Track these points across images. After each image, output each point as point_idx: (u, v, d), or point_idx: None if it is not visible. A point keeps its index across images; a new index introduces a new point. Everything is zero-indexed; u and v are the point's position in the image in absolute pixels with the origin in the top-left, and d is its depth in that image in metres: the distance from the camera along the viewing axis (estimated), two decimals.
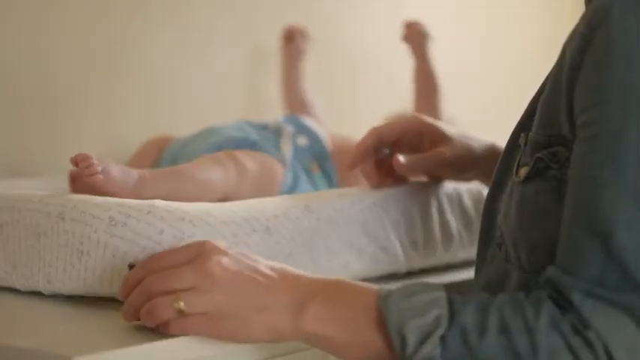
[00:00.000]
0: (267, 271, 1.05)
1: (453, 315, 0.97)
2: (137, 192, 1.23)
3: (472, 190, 1.50)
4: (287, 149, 1.55)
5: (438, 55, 1.94)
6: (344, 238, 1.32)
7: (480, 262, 1.22)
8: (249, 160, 1.46)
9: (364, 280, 1.32)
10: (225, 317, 1.03)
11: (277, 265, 1.08)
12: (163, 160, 1.61)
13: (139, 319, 1.06)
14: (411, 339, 0.97)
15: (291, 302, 1.04)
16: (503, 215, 1.14)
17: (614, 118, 0.96)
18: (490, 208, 1.19)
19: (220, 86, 1.96)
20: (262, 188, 1.48)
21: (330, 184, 1.61)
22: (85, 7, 1.83)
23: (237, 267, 1.04)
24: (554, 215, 1.04)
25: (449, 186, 1.48)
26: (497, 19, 2.60)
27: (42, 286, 1.21)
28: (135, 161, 1.64)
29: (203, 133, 1.62)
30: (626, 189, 0.95)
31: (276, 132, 1.58)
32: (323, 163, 1.60)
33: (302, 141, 1.60)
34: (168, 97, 1.93)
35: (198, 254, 1.05)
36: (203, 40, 1.98)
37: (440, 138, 1.40)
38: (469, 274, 1.31)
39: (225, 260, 1.04)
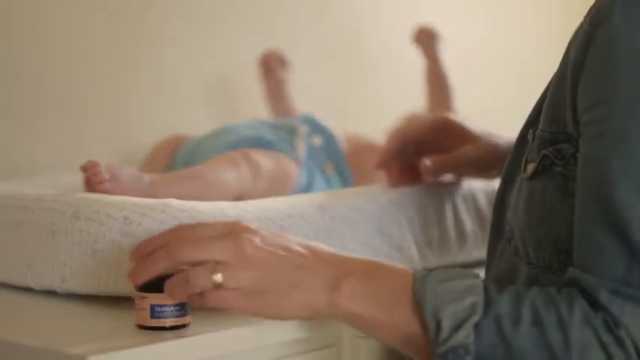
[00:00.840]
0: (301, 249, 1.05)
1: (488, 303, 0.97)
2: (148, 197, 1.23)
3: (487, 189, 1.49)
4: (301, 149, 1.55)
5: (450, 54, 1.94)
6: (358, 237, 1.32)
7: (489, 259, 1.22)
8: (263, 159, 1.46)
9: None
10: (260, 293, 1.02)
11: (312, 243, 1.07)
12: (177, 161, 1.61)
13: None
14: (446, 324, 0.97)
15: (327, 279, 1.03)
16: (513, 211, 1.14)
17: (619, 116, 0.97)
18: (500, 204, 1.19)
19: (233, 86, 1.96)
20: (276, 187, 1.47)
21: (345, 183, 1.60)
22: (97, 6, 1.83)
23: (269, 245, 1.04)
24: (560, 212, 1.05)
25: (464, 185, 1.48)
26: (504, 17, 2.60)
27: (56, 285, 1.21)
28: (148, 162, 1.64)
29: (217, 132, 1.62)
30: (636, 186, 0.95)
31: (291, 131, 1.58)
32: (338, 163, 1.60)
33: (317, 140, 1.60)
34: (181, 97, 1.93)
35: (229, 231, 1.04)
36: (215, 39, 1.98)
37: (466, 136, 1.40)
38: (483, 273, 1.31)
39: (257, 239, 1.04)
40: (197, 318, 1.11)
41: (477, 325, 0.97)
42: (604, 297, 0.95)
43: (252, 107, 1.93)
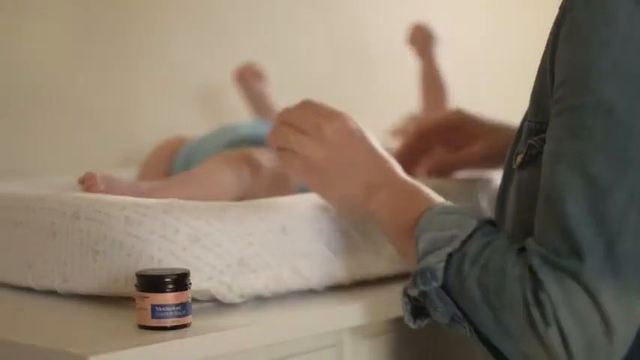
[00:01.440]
0: (372, 153, 1.20)
1: (466, 240, 1.07)
2: None
3: (490, 186, 1.50)
4: None
5: (451, 55, 1.93)
6: (361, 237, 1.32)
7: None
8: (264, 158, 1.46)
9: (382, 279, 1.33)
10: (315, 169, 1.20)
11: (387, 158, 1.20)
12: (178, 160, 1.60)
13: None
14: (421, 247, 1.10)
15: (371, 183, 1.19)
16: (509, 203, 1.17)
17: (573, 95, 1.02)
18: (501, 199, 1.20)
19: (233, 87, 1.95)
20: (278, 186, 1.47)
21: None
22: (100, 6, 1.82)
23: (350, 139, 1.20)
24: None
25: (467, 184, 1.48)
26: (504, 17, 2.60)
27: (57, 286, 1.21)
28: (149, 164, 1.64)
29: (218, 131, 1.62)
30: (575, 163, 1.00)
31: None
32: None
33: None
34: (181, 97, 1.93)
35: (331, 115, 1.21)
36: (216, 39, 1.98)
37: (480, 131, 1.42)
38: None
39: (345, 130, 1.20)
40: (197, 318, 1.11)
41: (449, 256, 1.07)
42: (535, 262, 1.01)
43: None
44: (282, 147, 1.22)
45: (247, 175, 1.43)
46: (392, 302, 1.27)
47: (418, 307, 1.14)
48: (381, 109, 2.13)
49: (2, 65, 1.69)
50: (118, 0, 1.85)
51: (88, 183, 1.27)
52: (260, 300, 1.22)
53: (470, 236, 1.08)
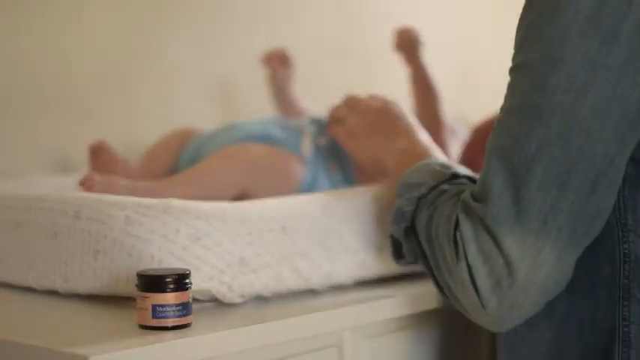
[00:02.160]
0: (402, 124, 1.39)
1: (435, 187, 1.20)
2: None
3: None
4: (307, 148, 1.55)
5: (455, 53, 1.93)
6: (361, 237, 1.32)
7: None
8: (261, 153, 1.47)
9: (382, 279, 1.33)
10: (356, 137, 1.44)
11: (418, 138, 1.37)
12: (185, 154, 1.60)
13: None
14: (399, 191, 1.24)
15: (396, 147, 1.37)
16: None
17: (515, 56, 1.11)
18: None
19: (238, 84, 1.96)
20: (279, 184, 1.47)
21: (349, 183, 1.60)
22: (103, 5, 1.83)
23: (386, 115, 1.42)
24: None
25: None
26: (505, 18, 2.59)
27: (58, 286, 1.21)
28: (154, 153, 1.63)
29: (225, 128, 1.62)
30: (501, 120, 1.11)
31: (298, 131, 1.58)
32: (343, 164, 1.60)
33: (323, 141, 1.60)
34: (185, 95, 1.93)
35: (383, 101, 1.44)
36: (220, 37, 1.98)
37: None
38: None
39: (391, 113, 1.41)
40: (198, 318, 1.11)
41: (419, 199, 1.20)
42: (459, 206, 1.12)
43: (258, 105, 1.92)
44: (336, 117, 1.48)
45: (246, 169, 1.44)
46: (392, 302, 1.28)
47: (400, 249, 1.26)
48: None
49: (2, 65, 1.69)
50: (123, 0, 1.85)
51: (87, 184, 1.28)
52: (260, 300, 1.22)
53: (438, 184, 1.20)
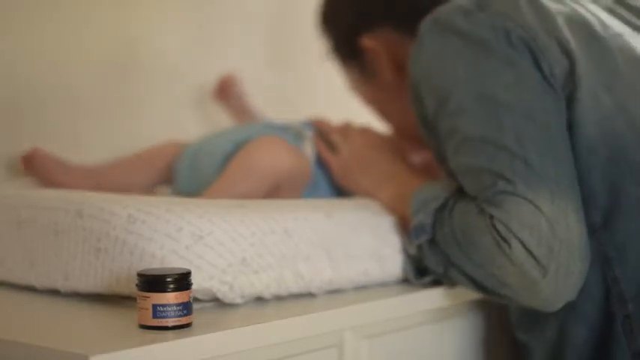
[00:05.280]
0: (387, 162, 1.47)
1: (450, 197, 1.28)
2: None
3: None
4: (309, 150, 1.55)
5: None
6: (364, 245, 1.32)
7: None
8: (292, 160, 1.49)
9: (383, 285, 1.34)
10: (349, 169, 1.50)
11: (399, 165, 1.46)
12: (180, 163, 1.59)
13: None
14: (413, 208, 1.31)
15: (382, 181, 1.44)
16: None
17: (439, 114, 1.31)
18: None
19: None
20: (296, 182, 1.49)
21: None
22: (103, 7, 1.82)
23: (372, 149, 1.50)
24: None
25: None
26: None
27: (59, 285, 1.21)
28: (140, 160, 1.61)
29: (226, 131, 1.62)
30: (465, 140, 1.26)
31: (298, 135, 1.58)
32: None
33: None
34: (183, 96, 1.93)
35: (364, 131, 1.55)
36: (218, 40, 1.98)
37: None
38: None
39: (370, 143, 1.51)
40: (199, 318, 1.11)
41: (436, 211, 1.27)
42: (483, 204, 1.21)
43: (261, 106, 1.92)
44: (329, 143, 1.55)
45: (294, 161, 1.47)
46: (392, 302, 1.28)
47: (420, 268, 1.32)
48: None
49: (3, 65, 1.69)
50: (124, 2, 1.85)
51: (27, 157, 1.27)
52: (260, 300, 1.22)
53: (452, 195, 1.28)
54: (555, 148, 1.22)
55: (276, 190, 1.45)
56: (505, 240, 1.18)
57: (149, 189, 1.59)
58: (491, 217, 1.19)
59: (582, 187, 1.24)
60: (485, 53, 1.26)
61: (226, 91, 1.87)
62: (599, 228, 1.24)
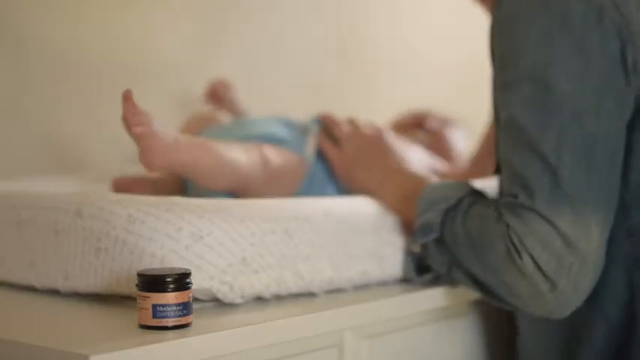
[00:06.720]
0: (390, 157, 1.45)
1: (462, 199, 1.27)
2: (170, 152, 1.24)
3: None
4: (311, 148, 1.55)
5: (454, 53, 1.92)
6: (364, 245, 1.32)
7: None
8: (273, 154, 1.47)
9: (383, 285, 1.34)
10: (351, 165, 1.47)
11: (403, 162, 1.45)
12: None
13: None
14: (420, 207, 1.29)
15: (384, 179, 1.42)
16: None
17: (504, 74, 1.24)
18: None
19: (236, 83, 1.95)
20: (282, 183, 1.48)
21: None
22: (105, 3, 1.83)
23: (374, 145, 1.47)
24: None
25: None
26: None
27: (59, 285, 1.21)
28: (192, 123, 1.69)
29: (232, 125, 1.63)
30: (509, 126, 1.23)
31: (303, 131, 1.58)
32: None
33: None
34: (184, 97, 1.93)
35: (370, 128, 1.51)
36: (223, 39, 1.98)
37: None
38: None
39: (383, 145, 1.48)
40: (198, 318, 1.11)
41: (446, 211, 1.26)
42: (503, 210, 1.21)
43: (257, 105, 1.93)
44: (332, 136, 1.52)
45: (256, 165, 1.44)
46: (392, 303, 1.28)
47: (422, 265, 1.32)
48: (382, 108, 2.13)
49: (2, 66, 1.69)
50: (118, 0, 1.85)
51: (129, 112, 1.26)
52: (260, 300, 1.22)
53: (464, 197, 1.27)
54: (594, 157, 1.19)
55: (267, 181, 1.45)
56: (517, 251, 1.19)
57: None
58: (508, 225, 1.19)
59: (628, 186, 1.22)
60: (561, 29, 1.19)
61: (218, 97, 1.88)
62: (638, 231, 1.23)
